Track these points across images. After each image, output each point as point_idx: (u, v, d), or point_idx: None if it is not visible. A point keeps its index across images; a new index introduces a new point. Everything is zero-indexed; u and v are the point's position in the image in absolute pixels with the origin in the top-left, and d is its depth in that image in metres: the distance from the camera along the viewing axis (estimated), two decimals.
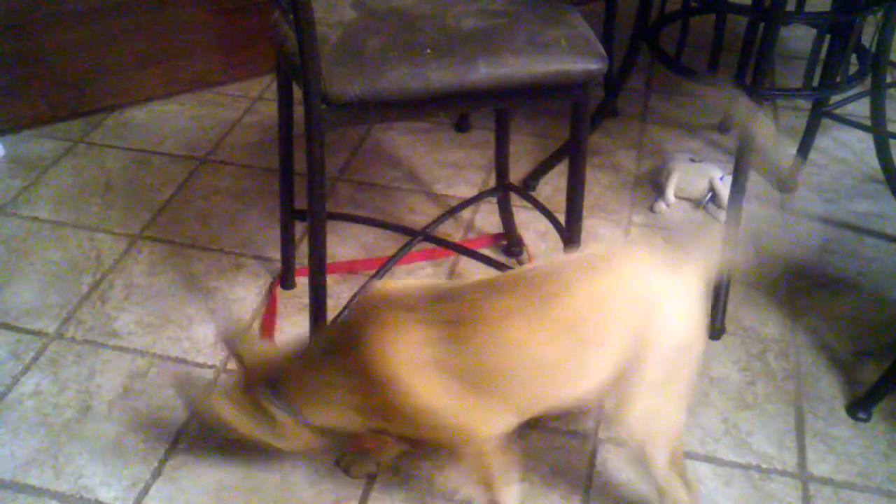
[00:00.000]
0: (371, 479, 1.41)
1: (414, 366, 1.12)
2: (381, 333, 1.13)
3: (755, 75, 1.67)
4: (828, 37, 2.00)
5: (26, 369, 1.60)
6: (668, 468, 1.24)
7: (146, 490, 1.39)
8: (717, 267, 1.21)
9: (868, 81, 1.92)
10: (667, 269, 1.16)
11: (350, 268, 1.82)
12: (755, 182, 2.11)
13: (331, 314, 1.45)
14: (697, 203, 2.04)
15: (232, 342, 1.38)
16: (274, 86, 2.47)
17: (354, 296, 1.68)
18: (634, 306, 1.14)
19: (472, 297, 1.15)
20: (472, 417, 1.17)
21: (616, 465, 1.44)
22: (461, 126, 2.32)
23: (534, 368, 1.14)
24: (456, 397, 1.14)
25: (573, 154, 1.43)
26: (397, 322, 1.13)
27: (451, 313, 1.14)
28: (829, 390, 1.59)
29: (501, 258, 1.86)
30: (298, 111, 1.36)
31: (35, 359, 1.62)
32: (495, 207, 1.92)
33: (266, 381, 1.25)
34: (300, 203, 1.56)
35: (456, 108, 2.03)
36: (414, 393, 1.13)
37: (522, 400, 1.18)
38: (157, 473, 1.42)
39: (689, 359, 1.19)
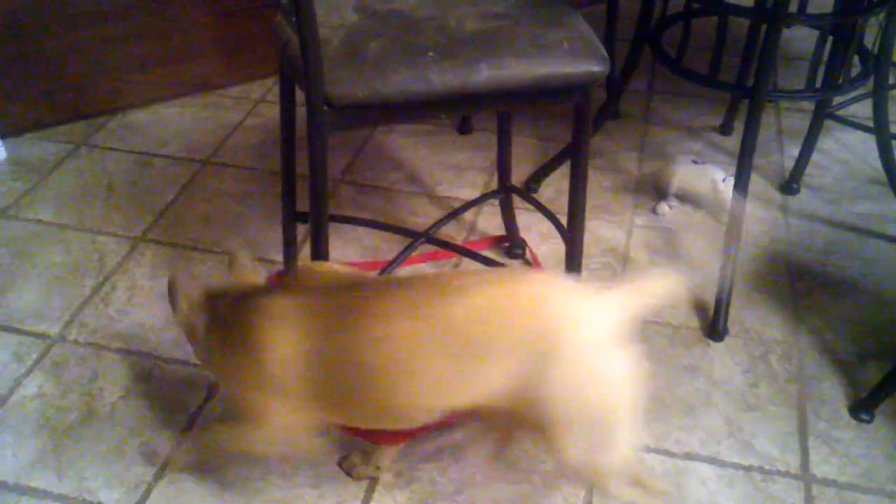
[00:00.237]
0: (373, 481, 1.41)
1: (277, 349, 1.13)
2: (265, 308, 1.15)
3: (757, 77, 1.66)
4: (830, 38, 2.00)
5: (29, 372, 1.60)
6: (624, 487, 1.20)
7: (148, 492, 1.39)
8: (642, 306, 1.13)
9: (871, 83, 1.92)
10: (579, 297, 1.11)
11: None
12: (757, 184, 2.11)
13: None
14: (699, 205, 2.04)
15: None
16: (276, 88, 2.47)
17: None
18: (532, 324, 1.07)
19: (371, 291, 1.15)
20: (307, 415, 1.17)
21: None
22: (463, 128, 2.32)
23: (408, 369, 1.10)
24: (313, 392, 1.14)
25: (575, 156, 1.43)
26: (285, 303, 1.14)
27: (345, 303, 1.13)
28: (831, 392, 1.59)
29: (503, 260, 1.86)
30: (300, 113, 1.37)
31: (38, 361, 1.62)
32: (497, 209, 1.92)
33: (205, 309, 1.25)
34: (302, 205, 1.56)
35: (458, 111, 2.03)
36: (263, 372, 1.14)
37: (390, 401, 1.13)
38: (159, 476, 1.42)
39: (613, 389, 1.10)
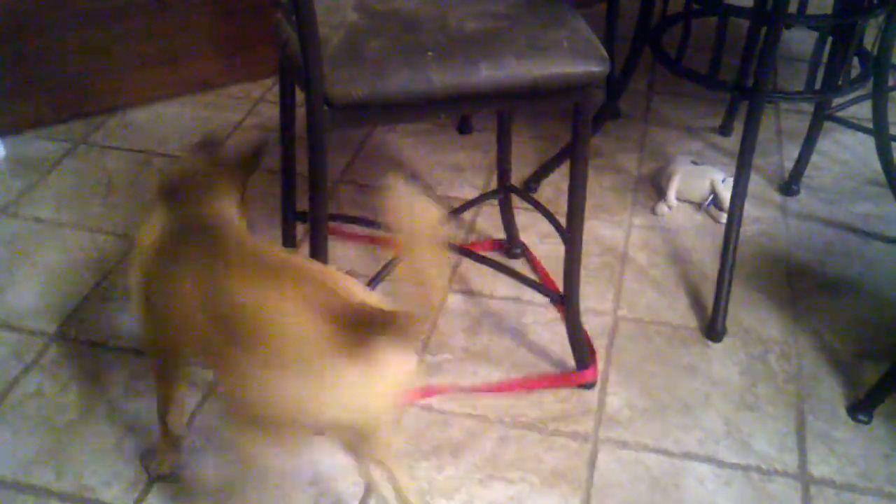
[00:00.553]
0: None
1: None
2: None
3: (757, 78, 1.67)
4: (830, 40, 2.01)
5: (28, 369, 1.60)
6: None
7: (147, 490, 1.39)
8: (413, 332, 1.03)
9: (870, 84, 1.92)
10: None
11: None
12: (756, 184, 2.11)
13: None
14: (699, 205, 2.04)
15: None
16: (275, 88, 2.47)
17: None
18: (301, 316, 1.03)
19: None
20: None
21: (617, 466, 1.45)
22: (463, 128, 2.32)
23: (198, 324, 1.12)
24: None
25: (574, 156, 1.43)
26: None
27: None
28: (829, 392, 1.59)
29: (502, 259, 1.87)
30: (300, 113, 1.37)
31: (37, 359, 1.62)
32: (496, 209, 1.92)
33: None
34: (301, 204, 1.56)
35: (458, 110, 2.03)
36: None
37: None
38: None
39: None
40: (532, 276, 1.81)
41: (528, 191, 2.08)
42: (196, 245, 1.18)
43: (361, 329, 1.01)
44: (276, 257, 1.14)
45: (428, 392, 1.57)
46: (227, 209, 1.27)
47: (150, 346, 1.33)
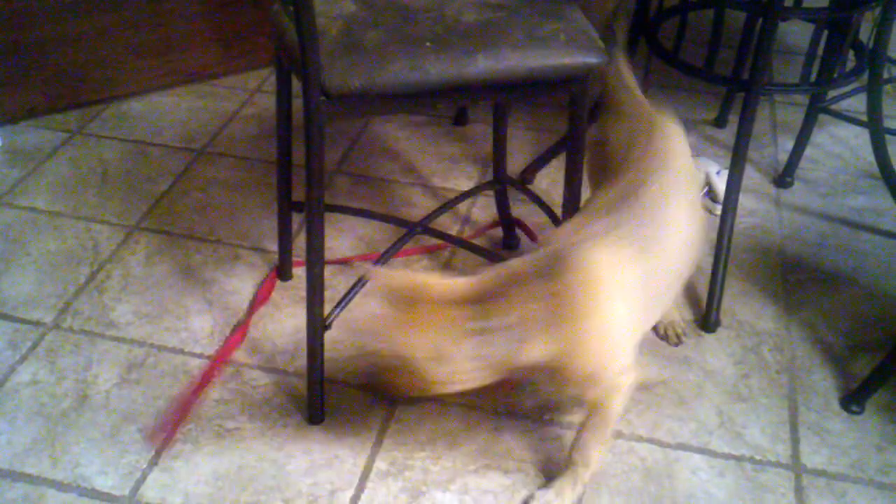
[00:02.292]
0: (366, 469, 1.42)
1: (628, 287, 1.21)
2: (602, 257, 1.19)
3: (753, 70, 1.67)
4: (825, 32, 2.01)
5: (23, 359, 1.60)
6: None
7: (143, 479, 1.40)
8: None
9: (865, 77, 1.93)
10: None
11: (347, 259, 1.83)
12: (751, 177, 2.12)
13: (328, 305, 1.46)
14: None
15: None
16: (271, 78, 2.47)
17: (353, 286, 1.67)
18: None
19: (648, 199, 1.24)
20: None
21: (610, 456, 1.45)
22: (459, 119, 2.33)
23: (686, 261, 1.27)
24: (645, 313, 1.25)
25: (571, 148, 1.44)
26: (607, 248, 1.20)
27: (629, 226, 1.22)
28: (822, 383, 1.60)
29: (498, 250, 1.87)
30: (297, 103, 1.37)
31: (32, 348, 1.62)
32: (492, 201, 1.92)
33: (467, 304, 1.18)
34: (298, 195, 1.56)
35: (455, 102, 2.03)
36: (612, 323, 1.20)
37: (672, 294, 1.33)
38: (153, 463, 1.42)
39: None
40: None
41: (523, 182, 2.08)
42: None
43: None
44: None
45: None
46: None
47: None
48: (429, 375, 1.16)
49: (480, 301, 1.16)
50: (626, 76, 1.42)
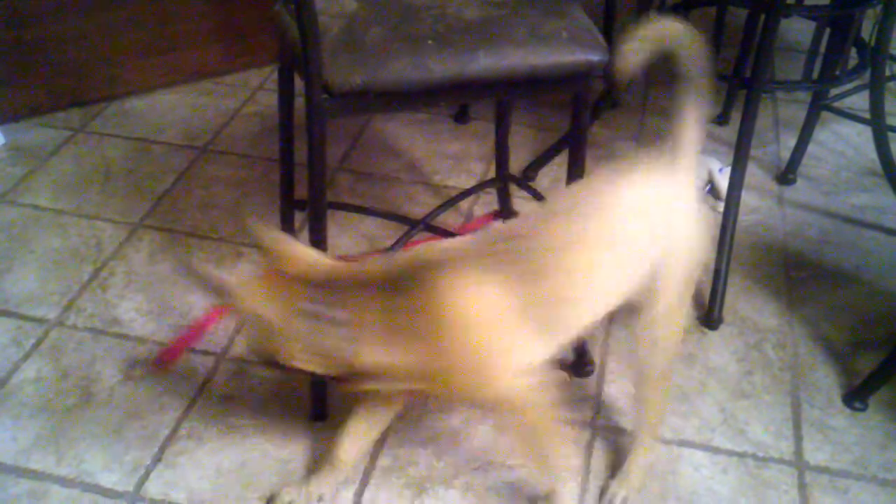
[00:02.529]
0: (370, 466, 1.42)
1: (492, 314, 1.13)
2: (458, 281, 1.12)
3: (755, 68, 1.67)
4: (828, 30, 2.01)
5: (27, 356, 1.60)
6: (657, 381, 1.32)
7: (146, 475, 1.40)
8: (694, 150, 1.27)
9: (867, 75, 1.93)
10: (665, 177, 1.23)
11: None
12: (754, 174, 2.12)
13: None
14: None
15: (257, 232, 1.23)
16: (273, 76, 2.47)
17: None
18: (658, 213, 1.21)
19: (529, 230, 1.19)
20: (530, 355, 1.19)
21: (615, 453, 1.45)
22: (461, 117, 2.33)
23: (593, 288, 1.19)
24: (527, 338, 1.16)
25: (573, 145, 1.44)
26: (468, 271, 1.13)
27: (512, 251, 1.15)
28: (825, 380, 1.60)
29: None
30: (299, 101, 1.37)
31: (36, 345, 1.63)
32: (495, 198, 1.92)
33: (311, 285, 1.15)
34: (300, 193, 1.56)
35: (457, 99, 2.03)
36: (487, 343, 1.14)
37: (574, 320, 1.22)
38: (157, 459, 1.43)
39: (697, 258, 1.26)
40: None
41: (526, 180, 2.08)
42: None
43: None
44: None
45: None
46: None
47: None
48: (270, 345, 1.14)
49: (324, 287, 1.14)
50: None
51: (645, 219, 1.20)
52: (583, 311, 1.20)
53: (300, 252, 1.17)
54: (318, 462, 1.41)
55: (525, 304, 1.13)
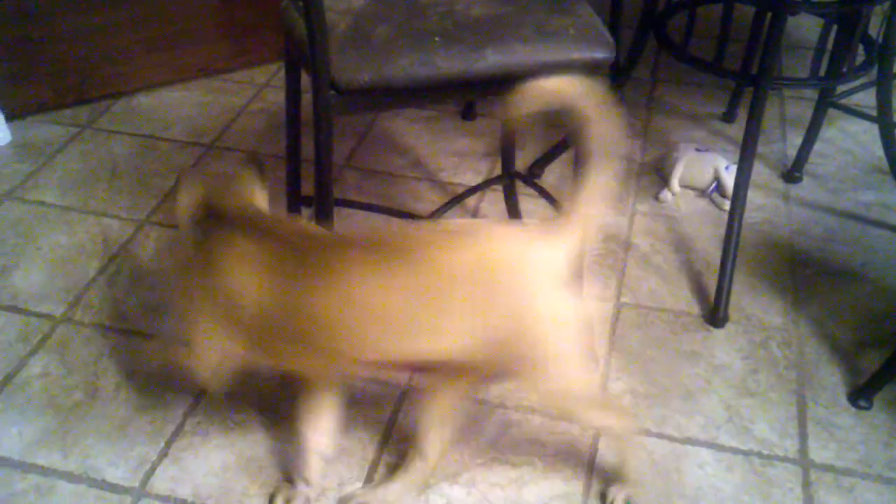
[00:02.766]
0: (374, 462, 1.42)
1: (234, 282, 1.17)
2: (235, 241, 1.18)
3: (761, 65, 1.67)
4: (835, 27, 2.01)
5: (34, 352, 1.61)
6: (594, 411, 1.27)
7: (152, 470, 1.41)
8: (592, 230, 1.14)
9: (874, 72, 1.92)
10: (534, 240, 1.12)
11: None
12: (760, 172, 2.12)
13: None
14: (702, 192, 2.05)
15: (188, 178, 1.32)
16: (280, 73, 2.47)
17: None
18: (494, 281, 1.09)
19: (327, 244, 1.16)
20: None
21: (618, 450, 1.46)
22: (467, 114, 2.33)
23: (362, 314, 1.13)
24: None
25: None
26: (251, 241, 1.17)
27: (306, 250, 1.15)
28: (831, 379, 1.60)
29: None
30: (305, 98, 1.37)
31: (43, 341, 1.63)
32: (501, 195, 1.93)
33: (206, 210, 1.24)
34: (307, 189, 1.57)
35: (463, 96, 2.03)
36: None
37: (337, 341, 1.17)
38: (163, 454, 1.43)
39: (573, 322, 1.15)
40: None
41: (531, 177, 2.08)
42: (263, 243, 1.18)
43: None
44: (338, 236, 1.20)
45: None
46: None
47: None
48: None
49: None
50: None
51: (478, 283, 1.09)
52: (355, 342, 1.15)
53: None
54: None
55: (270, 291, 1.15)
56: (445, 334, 1.12)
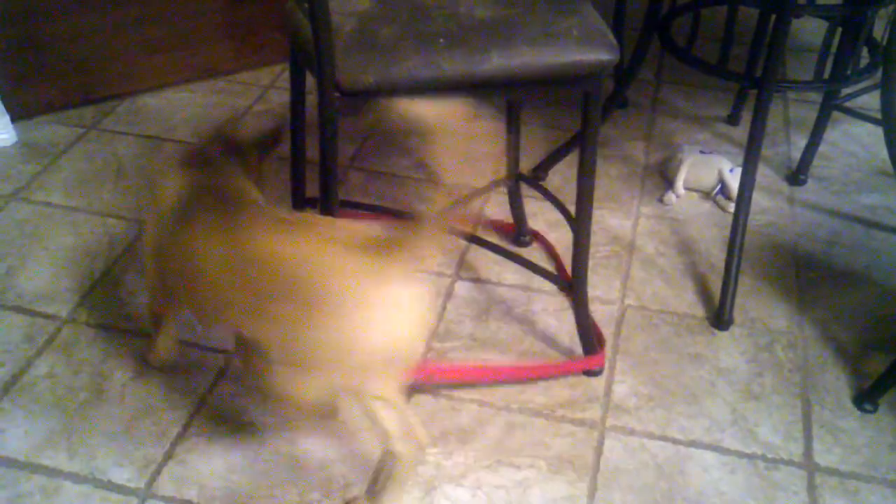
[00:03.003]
0: (380, 464, 1.42)
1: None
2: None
3: (766, 67, 1.67)
4: (839, 29, 2.01)
5: (40, 352, 1.61)
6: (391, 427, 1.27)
7: (158, 471, 1.41)
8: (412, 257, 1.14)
9: (879, 74, 1.92)
10: (360, 252, 1.14)
11: None
12: (764, 174, 2.12)
13: None
14: (707, 195, 2.05)
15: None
16: (285, 74, 2.48)
17: None
18: (305, 275, 1.12)
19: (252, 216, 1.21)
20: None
21: (623, 453, 1.46)
22: None
23: (210, 281, 1.21)
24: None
25: (583, 144, 1.44)
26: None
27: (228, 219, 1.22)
28: (835, 382, 1.60)
29: (511, 247, 1.87)
30: (310, 99, 1.37)
31: (48, 342, 1.64)
32: (505, 197, 1.93)
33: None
34: (311, 191, 1.57)
35: (468, 98, 2.03)
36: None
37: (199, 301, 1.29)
38: (168, 456, 1.44)
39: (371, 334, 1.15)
40: (541, 263, 1.82)
41: (536, 179, 2.08)
42: (217, 210, 1.24)
43: (384, 254, 1.13)
44: (291, 215, 1.24)
45: (434, 372, 1.58)
46: (244, 183, 1.33)
47: (158, 305, 1.49)
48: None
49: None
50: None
51: (290, 275, 1.12)
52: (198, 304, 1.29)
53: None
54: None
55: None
56: (252, 315, 1.17)
